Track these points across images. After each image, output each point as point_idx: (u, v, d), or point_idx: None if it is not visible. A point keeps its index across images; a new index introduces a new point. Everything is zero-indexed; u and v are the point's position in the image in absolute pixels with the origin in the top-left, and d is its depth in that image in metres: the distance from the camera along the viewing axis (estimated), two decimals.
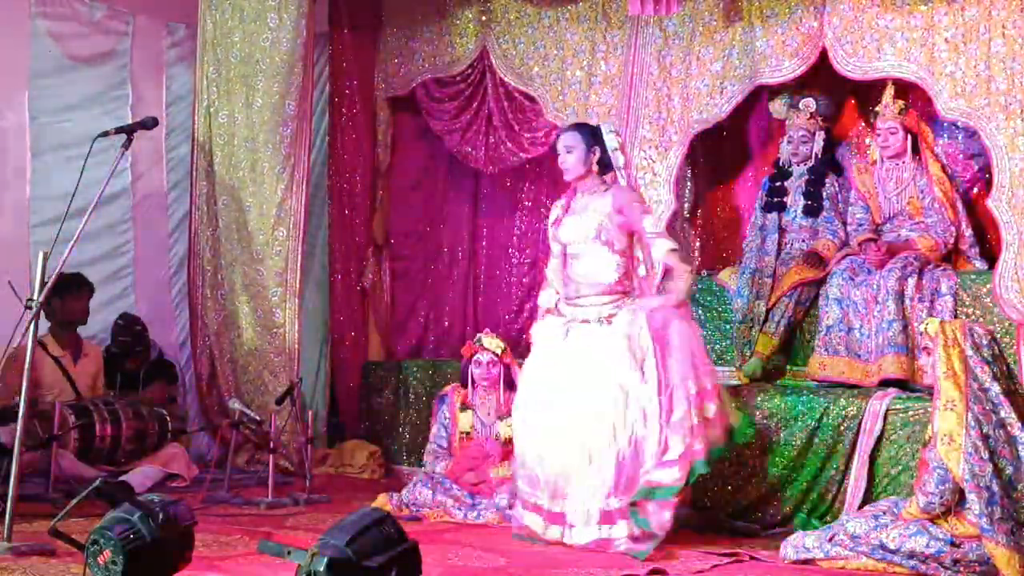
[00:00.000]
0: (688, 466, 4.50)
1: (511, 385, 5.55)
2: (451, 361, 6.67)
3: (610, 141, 4.85)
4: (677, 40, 5.91)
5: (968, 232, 5.61)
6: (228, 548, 4.31)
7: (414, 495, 5.28)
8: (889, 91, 5.64)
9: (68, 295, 5.96)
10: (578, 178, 4.86)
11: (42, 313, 5.76)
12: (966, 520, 4.11)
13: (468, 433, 5.50)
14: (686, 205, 6.71)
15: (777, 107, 6.10)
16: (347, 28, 7.12)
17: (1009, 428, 4.14)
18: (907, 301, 5.26)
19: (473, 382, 5.57)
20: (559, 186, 6.85)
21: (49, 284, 4.18)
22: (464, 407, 5.53)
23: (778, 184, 6.02)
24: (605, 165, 4.86)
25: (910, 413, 4.93)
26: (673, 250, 4.70)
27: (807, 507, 5.10)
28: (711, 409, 4.59)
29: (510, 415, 5.47)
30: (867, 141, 6.02)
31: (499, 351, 5.55)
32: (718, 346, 5.85)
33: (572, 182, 4.91)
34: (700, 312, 5.90)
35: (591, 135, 4.86)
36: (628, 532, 4.50)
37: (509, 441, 5.45)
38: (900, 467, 4.90)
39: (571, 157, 4.82)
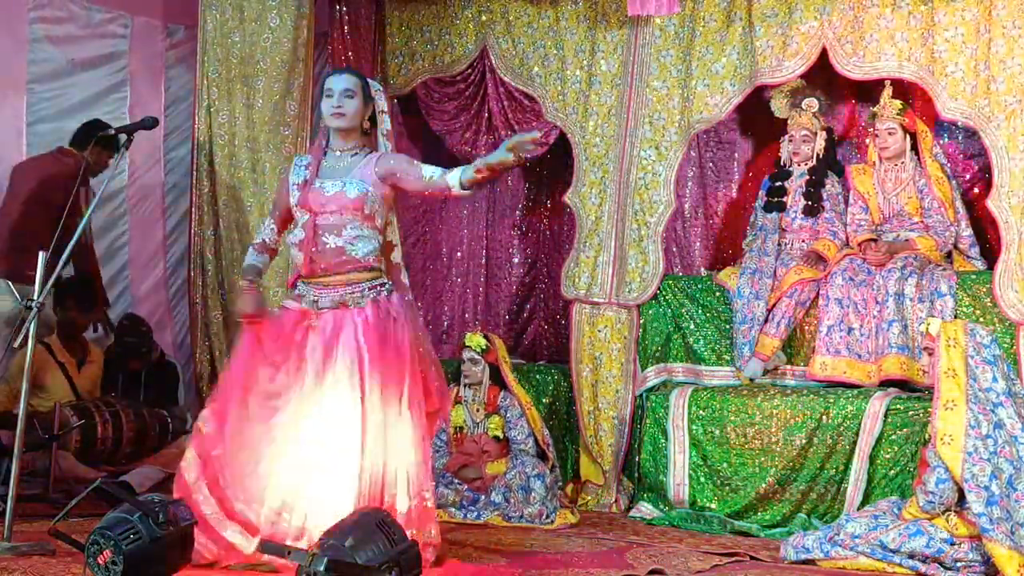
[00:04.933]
0: None
1: (499, 383, 5.57)
2: (451, 361, 6.65)
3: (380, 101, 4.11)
4: (677, 40, 5.90)
5: (968, 232, 5.61)
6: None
7: None
8: (887, 91, 5.63)
9: (74, 306, 5.92)
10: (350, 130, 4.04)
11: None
12: (966, 520, 4.11)
13: (461, 428, 5.55)
14: (686, 205, 6.70)
15: (779, 106, 6.09)
16: (347, 28, 7.10)
17: (1009, 428, 4.14)
18: (907, 301, 5.26)
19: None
20: (559, 185, 6.87)
21: (48, 285, 4.18)
22: (456, 403, 5.56)
23: (778, 184, 6.01)
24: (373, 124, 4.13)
25: (910, 413, 4.93)
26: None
27: (807, 507, 5.10)
28: None
29: (497, 412, 5.50)
30: (866, 142, 6.01)
31: (480, 350, 5.56)
32: (718, 346, 5.84)
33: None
34: (700, 312, 5.89)
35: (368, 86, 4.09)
36: None
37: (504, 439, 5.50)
38: (900, 467, 4.90)
39: (352, 102, 4.00)
